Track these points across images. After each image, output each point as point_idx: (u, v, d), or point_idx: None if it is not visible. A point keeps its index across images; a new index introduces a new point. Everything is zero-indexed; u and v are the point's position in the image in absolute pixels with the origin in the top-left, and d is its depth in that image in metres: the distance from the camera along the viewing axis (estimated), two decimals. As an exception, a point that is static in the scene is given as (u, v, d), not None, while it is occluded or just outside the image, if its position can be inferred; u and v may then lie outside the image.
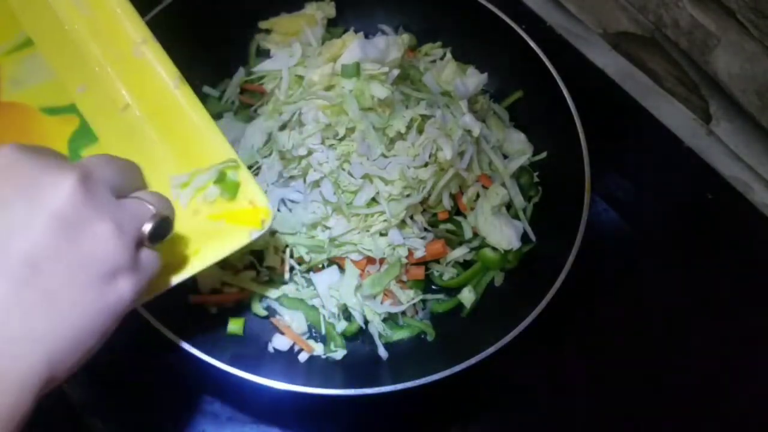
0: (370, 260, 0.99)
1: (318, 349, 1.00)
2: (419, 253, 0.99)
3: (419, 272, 1.01)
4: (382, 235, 0.97)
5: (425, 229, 1.01)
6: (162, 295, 0.76)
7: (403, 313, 1.01)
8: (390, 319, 1.01)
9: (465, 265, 1.06)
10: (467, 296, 1.03)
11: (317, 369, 0.99)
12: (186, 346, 0.86)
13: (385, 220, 0.96)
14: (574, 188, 1.01)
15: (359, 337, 1.02)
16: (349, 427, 1.00)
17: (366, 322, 1.00)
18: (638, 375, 1.07)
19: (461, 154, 1.01)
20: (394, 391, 0.86)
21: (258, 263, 1.04)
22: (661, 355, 1.09)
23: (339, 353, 0.99)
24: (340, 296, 0.98)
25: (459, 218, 1.05)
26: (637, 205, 1.20)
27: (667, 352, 1.09)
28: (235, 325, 0.99)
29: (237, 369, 0.85)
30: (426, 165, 0.97)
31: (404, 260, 0.99)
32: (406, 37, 1.17)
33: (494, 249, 1.04)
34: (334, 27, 1.20)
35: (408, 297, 1.00)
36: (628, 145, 1.25)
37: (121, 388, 0.99)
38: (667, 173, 1.24)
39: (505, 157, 1.12)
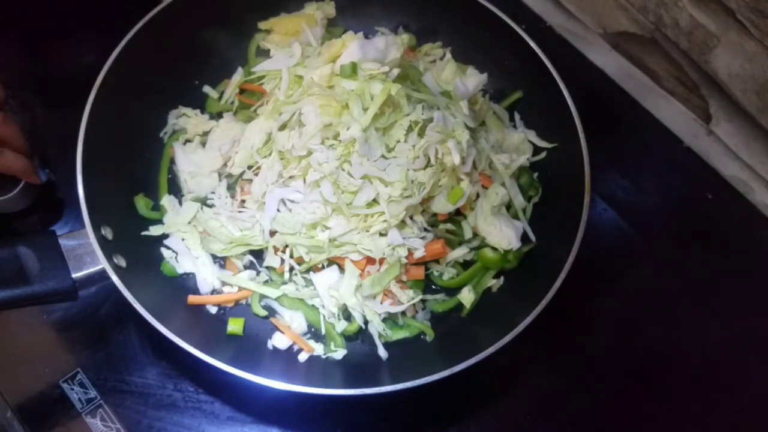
0: (370, 260, 0.99)
1: (318, 349, 1.00)
2: (419, 253, 0.99)
3: (419, 272, 1.01)
4: (381, 235, 0.97)
5: (425, 229, 1.01)
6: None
7: (403, 313, 1.01)
8: (390, 319, 1.01)
9: (465, 265, 1.06)
10: (467, 296, 1.03)
11: (317, 369, 0.99)
12: (186, 346, 0.86)
13: (384, 221, 0.96)
14: (574, 188, 1.01)
15: (359, 337, 1.02)
16: (348, 426, 1.00)
17: (366, 322, 1.00)
18: (638, 374, 1.07)
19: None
20: (394, 391, 0.86)
21: (258, 263, 1.04)
22: (661, 355, 1.09)
23: (339, 353, 0.99)
24: (340, 296, 0.98)
25: (459, 218, 1.05)
26: (637, 205, 1.20)
27: (667, 352, 1.09)
28: (235, 325, 1.00)
29: (237, 369, 0.85)
30: (426, 167, 0.97)
31: (404, 260, 0.99)
32: (405, 37, 1.17)
33: (494, 249, 1.04)
34: (334, 27, 1.20)
35: (408, 297, 1.00)
36: (628, 145, 1.25)
37: (121, 387, 0.99)
38: (667, 173, 1.24)
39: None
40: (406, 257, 0.99)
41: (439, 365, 0.88)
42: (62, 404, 0.97)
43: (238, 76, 1.16)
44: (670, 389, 1.06)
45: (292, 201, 0.99)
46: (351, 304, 0.98)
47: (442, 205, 1.00)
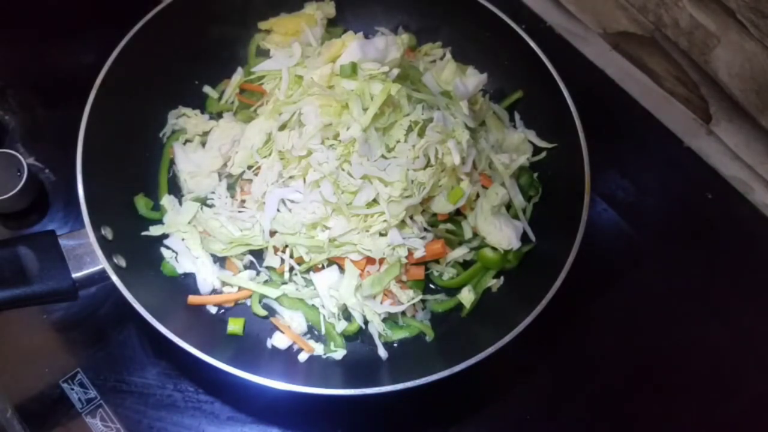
0: (370, 260, 0.99)
1: (318, 349, 1.00)
2: (419, 253, 0.99)
3: (419, 272, 1.01)
4: (381, 235, 0.97)
5: (425, 229, 1.01)
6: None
7: (403, 313, 1.01)
8: (390, 319, 1.01)
9: (465, 265, 1.06)
10: (467, 296, 1.03)
11: (317, 369, 0.98)
12: (186, 346, 0.86)
13: (384, 221, 0.96)
14: (574, 188, 1.01)
15: (359, 337, 1.02)
16: (348, 426, 1.00)
17: (366, 322, 1.00)
18: (638, 374, 1.07)
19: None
20: (394, 391, 0.86)
21: (258, 263, 1.04)
22: (660, 355, 1.09)
23: (339, 353, 0.99)
24: (340, 296, 0.98)
25: (459, 218, 1.05)
26: (637, 205, 1.20)
27: (667, 352, 1.09)
28: (235, 325, 0.99)
29: (237, 369, 0.85)
30: (426, 167, 0.97)
31: (404, 260, 0.99)
32: (405, 37, 1.17)
33: (494, 249, 1.04)
34: (334, 27, 1.20)
35: (408, 297, 1.00)
36: (628, 145, 1.25)
37: (121, 387, 0.99)
38: (667, 173, 1.24)
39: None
40: (406, 257, 0.99)
41: (439, 365, 0.88)
42: (62, 404, 0.97)
43: (238, 76, 1.16)
44: (670, 389, 1.06)
45: (292, 201, 0.99)
46: (351, 304, 0.98)
47: (442, 205, 1.00)
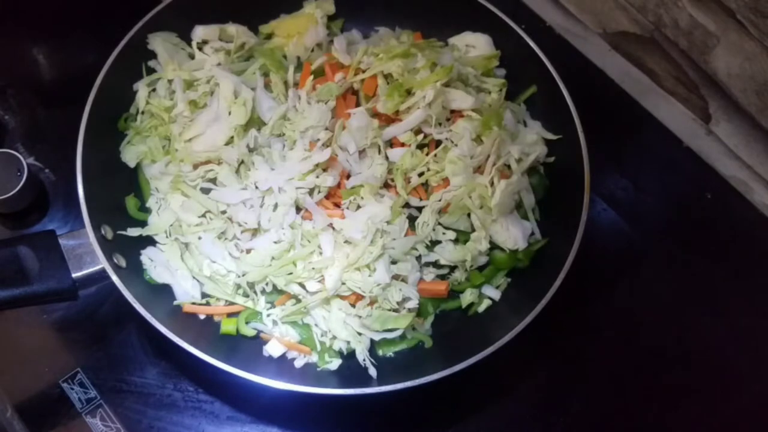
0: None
1: (314, 356, 0.97)
2: (412, 304, 0.97)
3: (439, 288, 0.99)
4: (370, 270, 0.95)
5: (430, 263, 1.00)
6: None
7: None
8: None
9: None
10: (467, 297, 1.03)
11: (313, 372, 0.97)
12: (186, 345, 0.86)
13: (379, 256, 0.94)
14: (574, 188, 1.01)
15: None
16: (348, 426, 1.00)
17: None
18: (637, 374, 1.07)
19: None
20: (394, 391, 0.86)
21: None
22: (660, 356, 1.09)
23: (334, 363, 0.96)
24: (331, 328, 0.95)
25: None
26: (637, 205, 1.20)
27: (666, 353, 1.09)
28: (228, 325, 0.97)
29: (237, 369, 0.85)
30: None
31: (412, 309, 0.97)
32: (405, 36, 1.16)
33: (502, 249, 1.02)
34: (333, 20, 1.19)
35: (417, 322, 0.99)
36: (628, 145, 1.25)
37: (121, 387, 0.99)
38: (666, 173, 1.24)
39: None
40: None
41: (439, 365, 0.88)
42: (62, 404, 0.97)
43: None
44: (669, 389, 1.06)
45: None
46: (342, 336, 0.95)
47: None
